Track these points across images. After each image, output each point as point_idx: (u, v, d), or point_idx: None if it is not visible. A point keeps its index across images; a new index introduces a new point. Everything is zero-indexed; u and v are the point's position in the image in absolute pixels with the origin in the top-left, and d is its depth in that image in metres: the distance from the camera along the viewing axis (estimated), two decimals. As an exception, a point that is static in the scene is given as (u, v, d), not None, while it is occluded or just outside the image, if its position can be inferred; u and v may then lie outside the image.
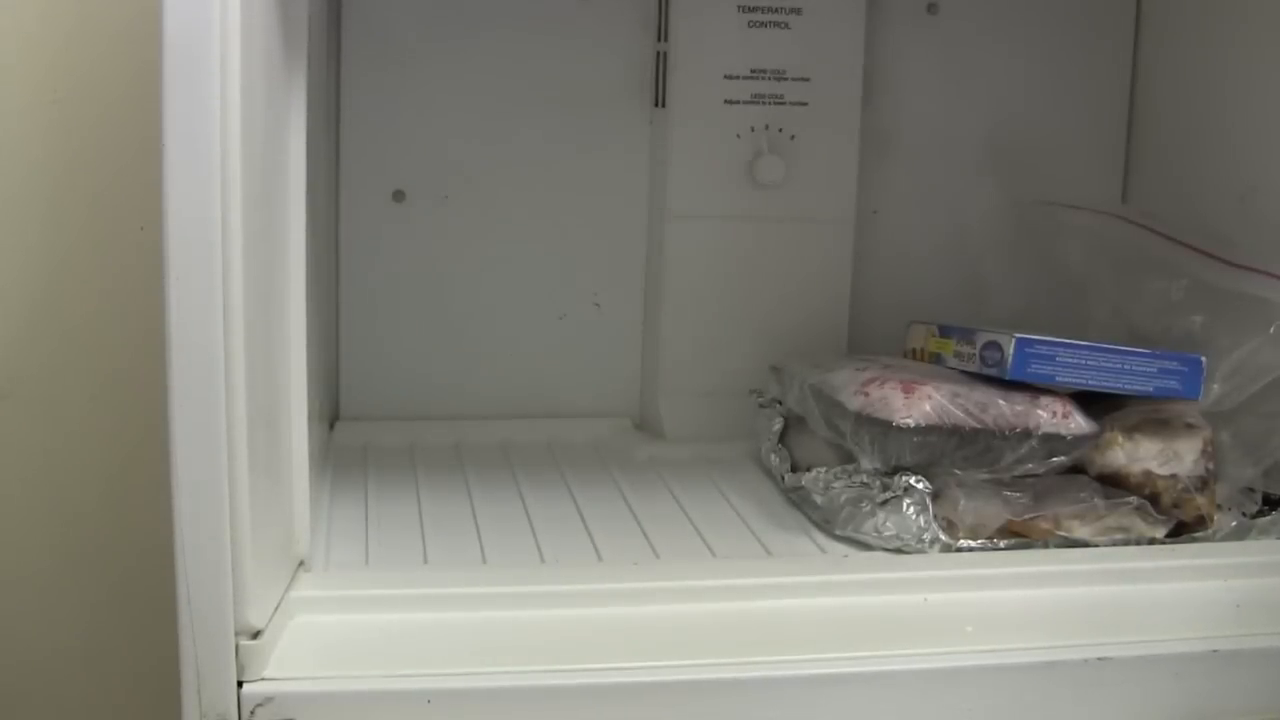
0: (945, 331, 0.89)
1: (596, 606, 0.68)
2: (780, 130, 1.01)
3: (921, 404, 0.81)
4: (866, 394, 0.83)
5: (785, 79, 1.01)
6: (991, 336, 0.83)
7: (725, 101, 1.01)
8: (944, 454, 0.78)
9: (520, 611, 0.67)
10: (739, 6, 1.00)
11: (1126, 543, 0.78)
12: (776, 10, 1.00)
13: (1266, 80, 0.94)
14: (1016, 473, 0.79)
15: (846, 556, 0.77)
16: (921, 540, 0.76)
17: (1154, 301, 0.91)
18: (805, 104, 1.02)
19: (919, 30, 1.06)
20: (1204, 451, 0.82)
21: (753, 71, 1.01)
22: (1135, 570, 0.74)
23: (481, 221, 1.03)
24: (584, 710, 0.62)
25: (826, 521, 0.82)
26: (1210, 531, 0.80)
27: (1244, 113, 0.97)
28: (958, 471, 0.79)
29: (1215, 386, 0.84)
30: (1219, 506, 0.82)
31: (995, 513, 0.78)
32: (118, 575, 1.08)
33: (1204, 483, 0.81)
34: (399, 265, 1.02)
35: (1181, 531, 0.80)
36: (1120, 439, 0.83)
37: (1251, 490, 0.84)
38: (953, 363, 0.87)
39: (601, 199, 1.04)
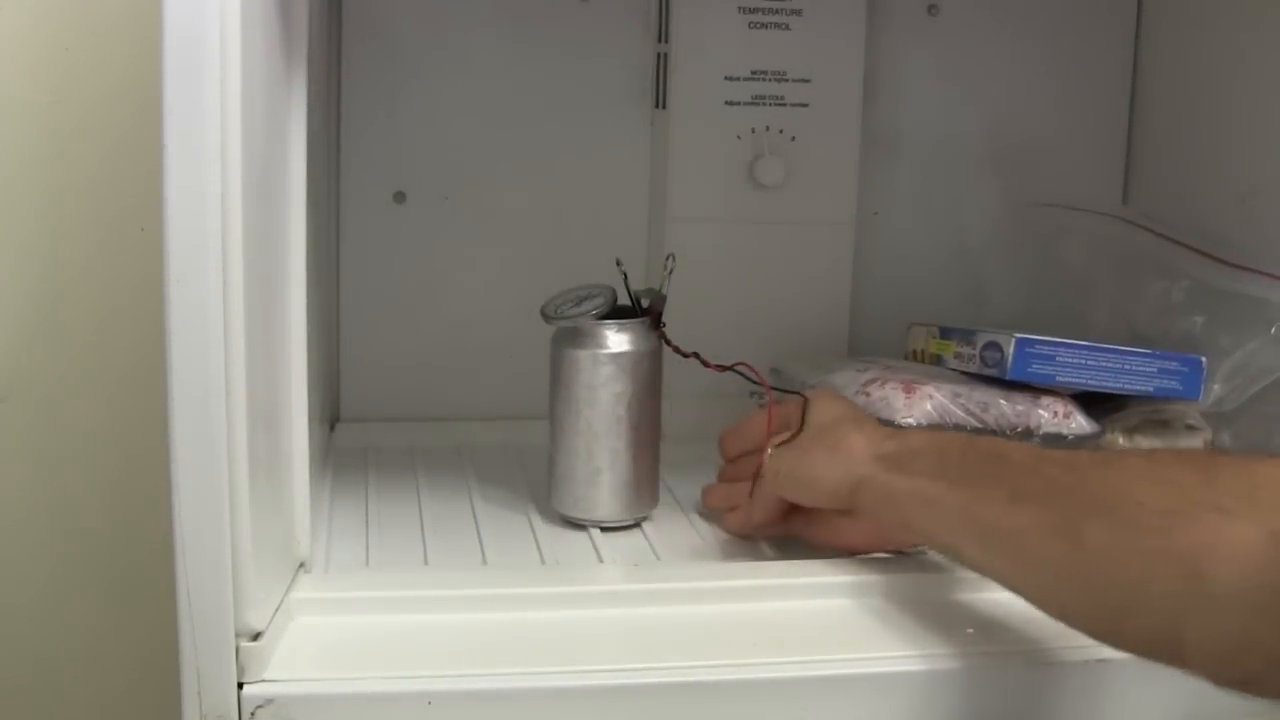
0: (946, 333, 0.89)
1: (597, 608, 0.68)
2: (781, 132, 1.01)
3: (923, 404, 0.81)
4: (868, 394, 0.83)
5: (786, 80, 1.01)
6: (991, 337, 0.83)
7: (726, 103, 1.01)
8: (945, 455, 0.78)
9: (521, 613, 0.67)
10: (739, 8, 1.00)
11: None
12: (777, 11, 1.00)
13: (1267, 81, 0.94)
14: (1017, 474, 0.79)
15: (846, 559, 0.76)
16: (922, 541, 0.76)
17: (1155, 302, 0.91)
18: (806, 105, 1.02)
19: (919, 32, 1.06)
20: (1205, 452, 0.82)
21: (753, 73, 1.01)
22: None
23: (481, 222, 1.03)
24: (585, 711, 0.62)
25: (827, 523, 0.82)
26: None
27: (1244, 113, 0.97)
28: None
29: (1216, 387, 0.84)
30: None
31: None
32: (118, 577, 1.08)
33: (1205, 484, 0.81)
34: (399, 266, 1.02)
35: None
36: (1121, 439, 0.83)
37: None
38: (953, 364, 0.87)
39: (602, 200, 1.04)
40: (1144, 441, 0.83)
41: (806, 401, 0.78)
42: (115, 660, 1.09)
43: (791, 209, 1.03)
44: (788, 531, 0.77)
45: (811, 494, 0.73)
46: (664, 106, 1.02)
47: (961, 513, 0.63)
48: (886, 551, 0.74)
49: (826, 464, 0.72)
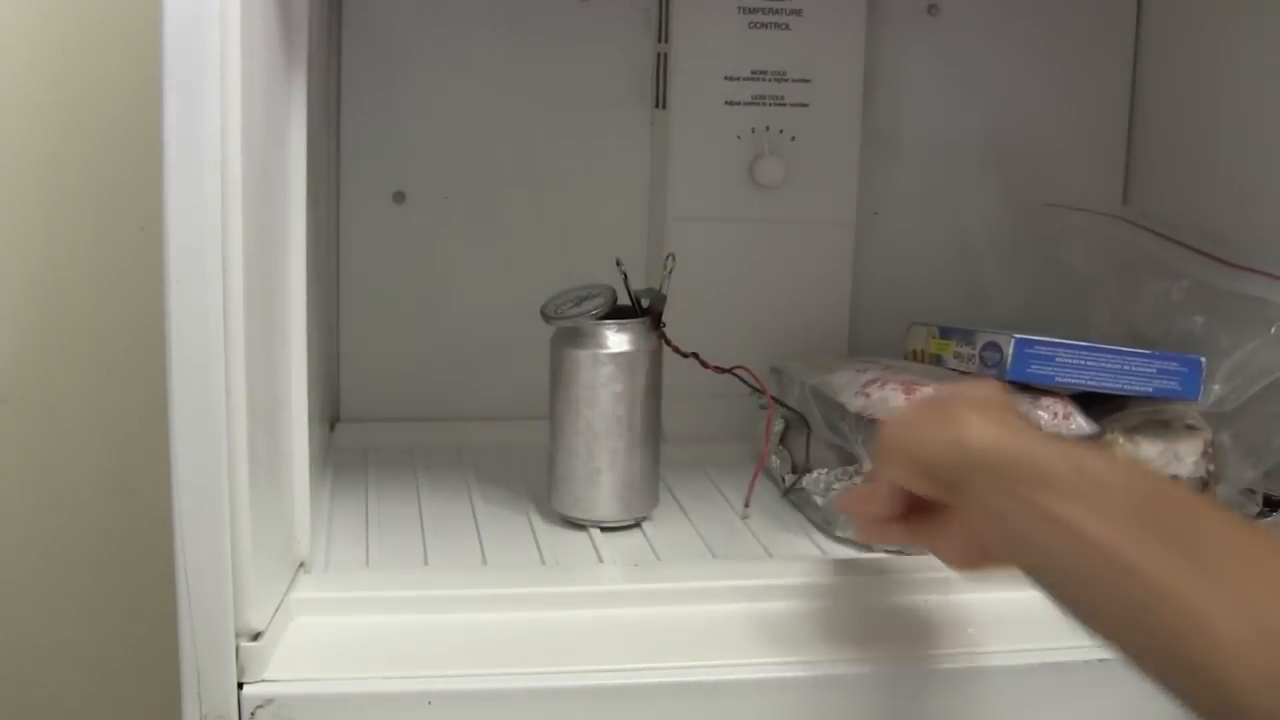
0: (945, 333, 0.89)
1: (597, 608, 0.68)
2: (781, 131, 1.01)
3: (922, 405, 0.80)
4: (867, 395, 0.83)
5: (786, 80, 1.01)
6: (991, 337, 0.83)
7: (726, 103, 1.01)
8: (945, 455, 0.78)
9: (520, 613, 0.67)
10: (739, 8, 1.00)
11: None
12: (777, 11, 1.00)
13: (1266, 81, 0.94)
14: (1017, 474, 0.79)
15: (847, 558, 0.77)
16: (922, 541, 0.76)
17: (1155, 302, 0.91)
18: (806, 105, 1.02)
19: (919, 31, 1.06)
20: (1204, 453, 0.82)
21: (753, 73, 1.01)
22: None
23: (481, 222, 1.03)
24: (585, 712, 0.62)
25: (827, 523, 0.82)
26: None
27: (1243, 114, 0.97)
28: (958, 473, 0.78)
29: (1216, 387, 0.84)
30: (1220, 508, 0.81)
31: (996, 514, 0.78)
32: (118, 577, 1.08)
33: (1204, 484, 0.81)
34: (399, 266, 1.02)
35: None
36: (1121, 440, 0.82)
37: (1252, 491, 0.83)
38: (953, 364, 0.87)
39: (602, 200, 1.04)
40: (1144, 441, 0.83)
41: None
42: (115, 660, 1.09)
43: (791, 209, 1.02)
44: (911, 536, 0.66)
45: (907, 466, 0.61)
46: (664, 106, 1.02)
47: (1112, 563, 0.48)
48: (982, 573, 0.62)
49: (930, 435, 0.59)
